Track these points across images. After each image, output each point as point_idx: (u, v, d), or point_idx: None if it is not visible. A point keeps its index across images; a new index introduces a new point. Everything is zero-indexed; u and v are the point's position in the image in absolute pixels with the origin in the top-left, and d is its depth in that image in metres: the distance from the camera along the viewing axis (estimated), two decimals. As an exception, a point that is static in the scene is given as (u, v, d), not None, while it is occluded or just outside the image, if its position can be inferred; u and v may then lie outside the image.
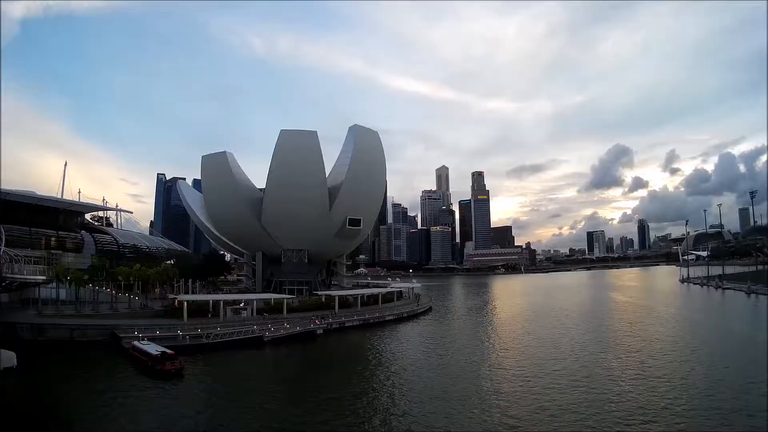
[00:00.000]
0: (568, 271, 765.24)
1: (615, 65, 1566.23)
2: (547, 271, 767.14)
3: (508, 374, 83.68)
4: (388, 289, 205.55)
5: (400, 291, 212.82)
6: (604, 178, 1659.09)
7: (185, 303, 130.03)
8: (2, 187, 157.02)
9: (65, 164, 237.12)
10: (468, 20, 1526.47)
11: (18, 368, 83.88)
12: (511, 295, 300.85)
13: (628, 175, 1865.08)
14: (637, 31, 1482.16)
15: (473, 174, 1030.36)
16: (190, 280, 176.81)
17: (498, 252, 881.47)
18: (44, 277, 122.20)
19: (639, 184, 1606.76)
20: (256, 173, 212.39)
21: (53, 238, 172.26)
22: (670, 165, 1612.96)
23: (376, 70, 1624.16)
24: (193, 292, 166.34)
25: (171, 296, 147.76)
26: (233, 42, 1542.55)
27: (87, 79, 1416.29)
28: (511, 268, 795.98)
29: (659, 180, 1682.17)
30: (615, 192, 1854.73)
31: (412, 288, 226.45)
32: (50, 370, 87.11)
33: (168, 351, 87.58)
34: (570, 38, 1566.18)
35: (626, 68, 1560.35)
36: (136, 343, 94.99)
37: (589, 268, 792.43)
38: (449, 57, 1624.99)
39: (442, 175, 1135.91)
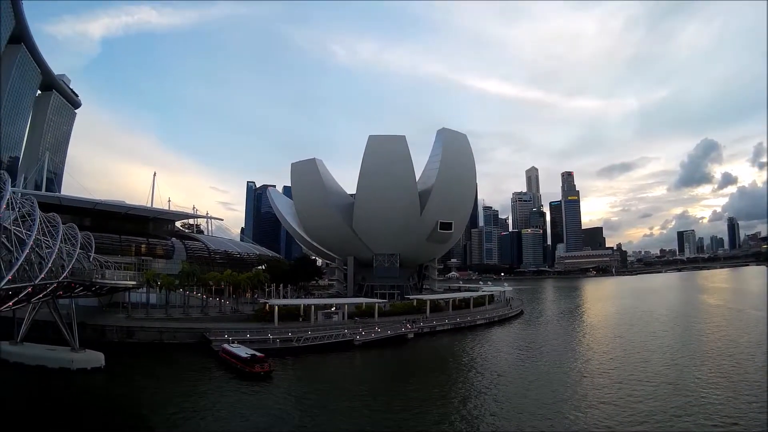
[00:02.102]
0: (659, 272, 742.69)
1: (694, 57, 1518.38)
2: (638, 273, 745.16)
3: (598, 379, 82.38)
4: (480, 293, 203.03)
5: (492, 294, 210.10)
6: (693, 175, 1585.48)
7: (276, 307, 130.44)
8: (94, 198, 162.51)
9: (154, 174, 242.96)
10: (546, 18, 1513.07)
11: (106, 368, 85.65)
12: (602, 298, 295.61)
13: (717, 171, 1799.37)
14: (713, 21, 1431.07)
15: (563, 174, 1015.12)
16: (281, 285, 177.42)
17: (589, 254, 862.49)
18: (134, 283, 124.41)
19: (728, 180, 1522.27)
20: (345, 179, 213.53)
21: (143, 245, 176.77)
22: (758, 159, 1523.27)
23: (459, 72, 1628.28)
24: (284, 297, 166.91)
25: (262, 300, 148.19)
26: (315, 52, 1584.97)
27: (172, 94, 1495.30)
28: (602, 271, 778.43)
29: (749, 175, 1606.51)
30: (705, 189, 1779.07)
31: (504, 291, 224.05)
32: (138, 371, 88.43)
33: (258, 354, 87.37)
34: (648, 32, 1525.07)
35: (706, 60, 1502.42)
36: (226, 345, 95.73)
37: (679, 270, 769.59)
38: (531, 56, 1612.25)
39: (532, 176, 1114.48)
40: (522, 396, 72.24)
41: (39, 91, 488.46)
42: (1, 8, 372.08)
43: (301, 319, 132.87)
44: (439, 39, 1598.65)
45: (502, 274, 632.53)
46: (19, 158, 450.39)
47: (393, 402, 69.87)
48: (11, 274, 48.57)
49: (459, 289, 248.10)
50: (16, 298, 55.68)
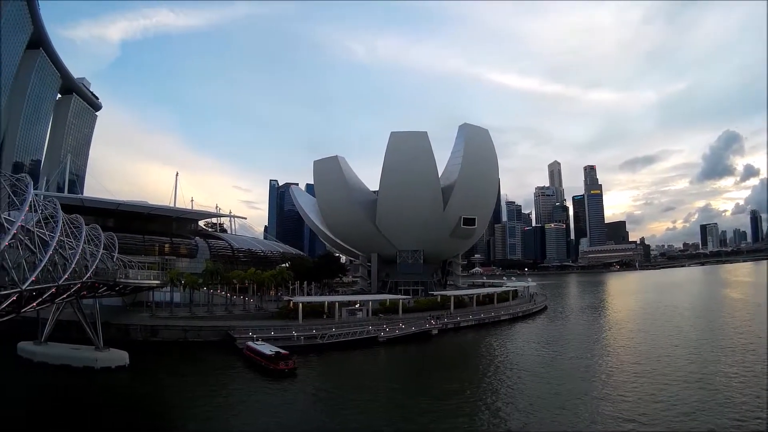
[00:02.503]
0: (682, 266, 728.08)
1: (714, 48, 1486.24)
2: (661, 267, 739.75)
3: (621, 375, 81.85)
4: (504, 289, 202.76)
5: (516, 290, 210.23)
6: (715, 167, 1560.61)
7: (300, 304, 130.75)
8: (116, 198, 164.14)
9: (176, 175, 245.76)
10: (564, 11, 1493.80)
11: (130, 367, 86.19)
12: (626, 293, 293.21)
13: (739, 163, 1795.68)
14: (731, 11, 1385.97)
15: (585, 168, 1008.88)
16: (305, 283, 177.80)
17: (612, 248, 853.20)
18: (158, 282, 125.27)
19: (751, 172, 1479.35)
20: (368, 176, 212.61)
21: (167, 245, 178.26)
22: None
23: (479, 67, 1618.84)
24: (308, 294, 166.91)
25: (286, 298, 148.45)
26: (335, 50, 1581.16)
27: (193, 95, 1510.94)
28: (626, 265, 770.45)
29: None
30: (727, 182, 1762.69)
31: (528, 287, 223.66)
32: (162, 369, 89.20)
33: (282, 351, 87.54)
34: (666, 23, 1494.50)
35: (725, 50, 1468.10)
36: (250, 343, 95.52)
37: (702, 264, 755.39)
38: (549, 50, 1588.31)
39: (554, 170, 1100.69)
40: (546, 392, 71.83)
41: (59, 95, 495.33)
42: (17, 14, 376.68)
43: (325, 316, 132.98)
44: (457, 34, 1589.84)
45: (526, 269, 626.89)
46: (40, 161, 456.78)
47: (417, 399, 69.53)
48: (35, 275, 49.06)
49: (483, 285, 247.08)
50: (40, 299, 56.29)
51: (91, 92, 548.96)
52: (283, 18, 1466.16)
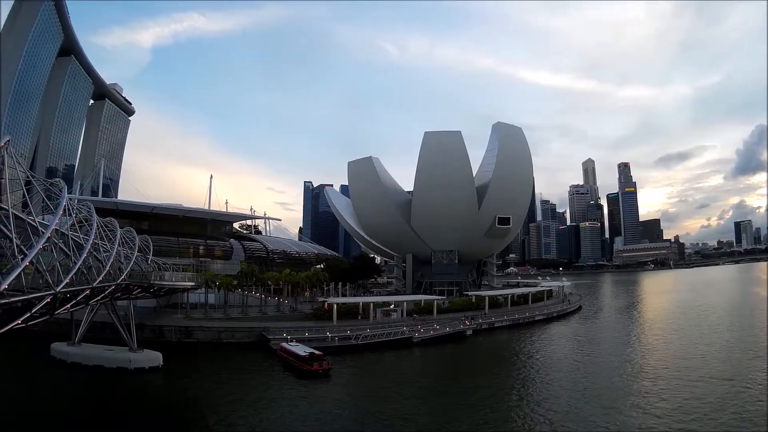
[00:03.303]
0: (716, 265, 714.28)
1: (745, 38, 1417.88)
2: (696, 266, 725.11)
3: (656, 376, 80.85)
4: (538, 289, 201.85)
5: (550, 290, 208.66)
6: (749, 162, 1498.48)
7: (335, 305, 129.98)
8: (150, 202, 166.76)
9: (211, 177, 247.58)
10: (593, 5, 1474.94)
11: (164, 368, 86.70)
12: (660, 292, 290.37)
13: None
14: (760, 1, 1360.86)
15: (619, 165, 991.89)
16: (340, 283, 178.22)
17: (647, 247, 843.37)
18: (192, 283, 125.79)
19: None
20: (402, 176, 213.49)
21: (201, 247, 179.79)
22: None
23: (511, 65, 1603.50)
24: (343, 295, 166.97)
25: (321, 299, 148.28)
26: (366, 50, 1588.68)
27: (226, 97, 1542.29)
28: (660, 264, 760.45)
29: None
30: (761, 177, 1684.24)
31: (562, 287, 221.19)
32: (196, 370, 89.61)
33: (316, 352, 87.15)
34: (697, 14, 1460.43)
35: (758, 40, 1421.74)
36: (284, 344, 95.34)
37: (737, 262, 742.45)
38: (581, 45, 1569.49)
39: (589, 168, 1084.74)
40: (580, 393, 71.54)
41: (92, 101, 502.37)
42: (47, 22, 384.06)
43: (359, 317, 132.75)
44: (488, 32, 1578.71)
45: (561, 269, 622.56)
46: (74, 166, 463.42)
47: (452, 400, 69.17)
48: (69, 277, 49.71)
49: (517, 285, 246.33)
50: (74, 301, 57.07)
51: (124, 97, 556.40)
52: (312, 19, 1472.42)
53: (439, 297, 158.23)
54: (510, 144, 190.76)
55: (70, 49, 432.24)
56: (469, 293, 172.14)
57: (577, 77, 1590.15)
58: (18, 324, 42.08)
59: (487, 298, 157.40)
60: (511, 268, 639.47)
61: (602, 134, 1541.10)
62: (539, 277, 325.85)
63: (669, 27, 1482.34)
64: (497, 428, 58.72)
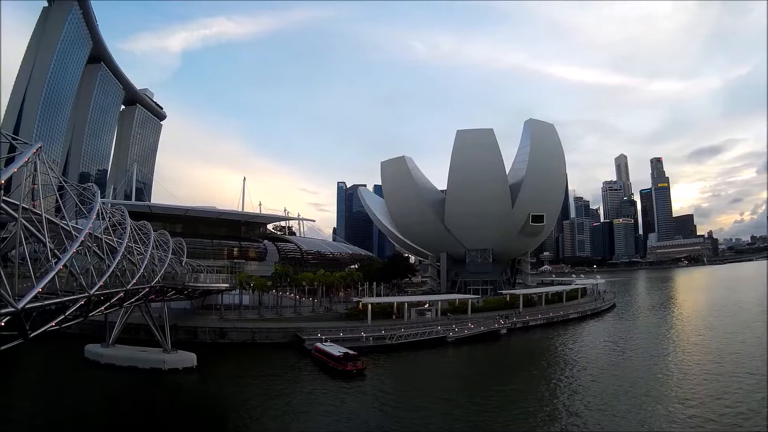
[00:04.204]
0: (750, 261, 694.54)
1: None
2: (729, 262, 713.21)
3: (690, 374, 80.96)
4: (572, 287, 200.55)
5: (584, 288, 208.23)
6: None
7: (369, 305, 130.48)
8: (184, 204, 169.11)
9: (244, 179, 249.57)
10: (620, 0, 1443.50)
11: (197, 368, 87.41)
12: (694, 289, 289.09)
13: None
14: None
15: (652, 161, 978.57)
16: (374, 283, 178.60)
17: (680, 243, 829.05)
18: (226, 285, 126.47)
19: None
20: (435, 175, 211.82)
21: (235, 249, 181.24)
22: None
23: (540, 61, 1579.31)
24: (377, 295, 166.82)
25: (355, 299, 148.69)
26: (395, 49, 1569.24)
27: (257, 100, 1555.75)
28: (694, 260, 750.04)
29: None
30: None
31: (596, 284, 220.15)
32: (230, 371, 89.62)
33: (350, 352, 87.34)
34: (723, 6, 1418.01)
35: None
36: (318, 344, 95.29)
37: None
38: (609, 40, 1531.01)
39: (621, 164, 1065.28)
40: (616, 391, 71.25)
41: (123, 106, 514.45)
42: (75, 31, 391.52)
43: (394, 317, 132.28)
44: (516, 29, 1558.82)
45: (594, 266, 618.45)
46: (107, 171, 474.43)
47: (487, 400, 68.88)
48: (103, 280, 50.40)
49: (552, 283, 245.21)
50: (108, 303, 57.93)
51: (155, 102, 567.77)
52: (341, 20, 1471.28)
53: (473, 296, 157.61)
54: (542, 141, 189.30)
55: (99, 55, 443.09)
56: (504, 292, 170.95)
57: (606, 72, 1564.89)
58: (52, 326, 42.69)
59: (521, 297, 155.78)
60: (546, 266, 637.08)
61: (634, 129, 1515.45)
62: (573, 275, 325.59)
63: (696, 19, 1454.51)
64: (532, 428, 58.69)
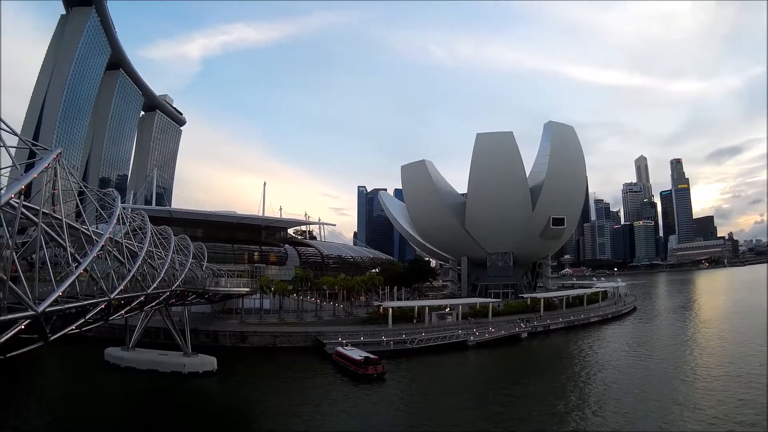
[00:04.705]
0: None
1: None
2: (750, 264, 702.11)
3: (712, 379, 79.92)
4: (593, 290, 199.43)
5: (605, 291, 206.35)
6: None
7: (390, 309, 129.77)
8: (204, 209, 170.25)
9: (264, 184, 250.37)
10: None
11: (218, 372, 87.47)
12: (714, 291, 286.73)
13: None
14: None
15: (672, 162, 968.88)
16: (395, 287, 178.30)
17: (701, 245, 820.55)
18: (247, 289, 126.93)
19: None
20: (455, 178, 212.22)
21: (256, 253, 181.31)
22: None
23: (559, 63, 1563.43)
24: (398, 299, 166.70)
25: (376, 303, 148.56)
26: (414, 53, 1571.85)
27: (277, 105, 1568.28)
28: (714, 262, 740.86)
29: None
30: None
31: (617, 287, 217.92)
32: (250, 374, 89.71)
33: (371, 356, 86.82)
34: (742, 4, 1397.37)
35: None
36: (339, 348, 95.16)
37: None
38: (627, 40, 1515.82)
39: (641, 165, 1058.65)
40: (637, 397, 70.21)
41: (142, 112, 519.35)
42: (94, 38, 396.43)
43: (415, 321, 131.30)
44: (534, 30, 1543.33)
45: (615, 269, 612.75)
46: (127, 176, 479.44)
47: (508, 404, 68.51)
48: (123, 284, 50.79)
49: (572, 286, 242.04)
50: (128, 307, 58.35)
51: (175, 108, 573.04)
52: (361, 24, 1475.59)
53: (494, 300, 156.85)
54: (562, 143, 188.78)
55: (118, 62, 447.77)
56: (525, 295, 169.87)
57: (625, 73, 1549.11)
58: (72, 329, 43.09)
59: (542, 300, 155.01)
60: (566, 269, 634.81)
61: (653, 130, 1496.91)
62: (594, 278, 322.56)
63: (714, 18, 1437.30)
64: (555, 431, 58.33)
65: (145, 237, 64.52)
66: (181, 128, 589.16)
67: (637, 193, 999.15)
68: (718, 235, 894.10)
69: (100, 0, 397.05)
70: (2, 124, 35.31)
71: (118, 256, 55.27)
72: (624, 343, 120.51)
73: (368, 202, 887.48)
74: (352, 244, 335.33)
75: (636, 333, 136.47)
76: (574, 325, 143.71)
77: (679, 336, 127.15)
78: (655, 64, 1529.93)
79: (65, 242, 41.66)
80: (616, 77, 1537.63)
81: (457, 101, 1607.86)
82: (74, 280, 39.56)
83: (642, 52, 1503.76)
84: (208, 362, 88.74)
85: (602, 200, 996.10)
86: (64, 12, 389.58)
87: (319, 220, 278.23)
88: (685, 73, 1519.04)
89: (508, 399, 71.00)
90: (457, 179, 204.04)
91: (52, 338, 38.64)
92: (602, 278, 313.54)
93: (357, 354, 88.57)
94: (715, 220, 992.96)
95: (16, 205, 32.99)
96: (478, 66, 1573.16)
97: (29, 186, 35.81)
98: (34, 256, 40.30)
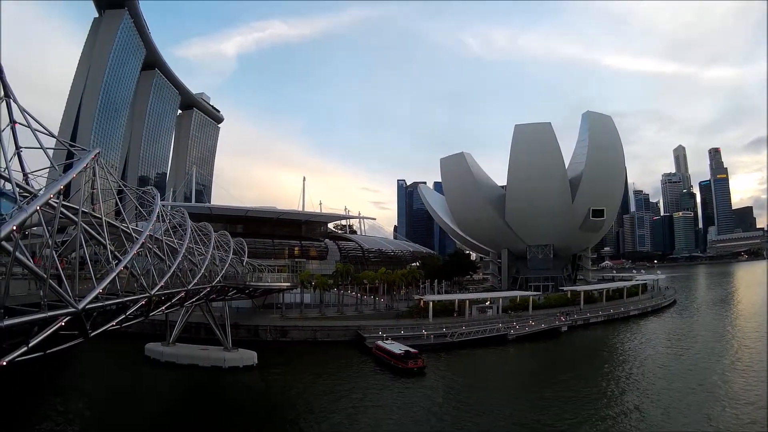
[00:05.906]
0: None
1: None
2: None
3: (750, 372, 79.86)
4: (633, 283, 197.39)
5: (645, 284, 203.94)
6: None
7: (430, 303, 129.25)
8: (244, 205, 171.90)
9: (304, 179, 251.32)
10: None
11: (258, 366, 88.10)
12: (753, 284, 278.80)
13: None
14: None
15: (710, 151, 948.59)
16: (435, 281, 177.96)
17: (740, 236, 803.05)
18: (288, 284, 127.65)
19: None
20: (494, 170, 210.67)
21: (296, 248, 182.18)
22: None
23: (595, 52, 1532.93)
24: (438, 292, 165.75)
25: (416, 297, 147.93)
26: (450, 45, 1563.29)
27: (315, 100, 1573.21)
28: (753, 254, 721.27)
29: None
30: None
31: (657, 280, 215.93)
32: (291, 369, 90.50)
33: (411, 350, 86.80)
34: None
35: None
36: (379, 342, 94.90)
37: None
38: (662, 27, 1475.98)
39: (680, 155, 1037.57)
40: (681, 391, 69.71)
41: (180, 111, 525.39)
42: (128, 39, 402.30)
43: (455, 315, 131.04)
44: (569, 20, 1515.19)
45: (655, 261, 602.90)
46: (166, 174, 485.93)
47: (550, 399, 67.89)
48: (164, 281, 51.37)
49: (612, 279, 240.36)
50: (169, 303, 59.14)
51: (212, 106, 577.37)
52: (395, 17, 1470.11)
53: (534, 293, 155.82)
54: (601, 134, 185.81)
55: (153, 62, 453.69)
56: (565, 288, 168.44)
57: (661, 60, 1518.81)
58: (112, 326, 43.70)
59: (582, 293, 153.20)
60: (606, 261, 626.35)
61: (691, 119, 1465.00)
62: (633, 271, 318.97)
63: (748, 2, 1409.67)
64: (596, 427, 57.43)
65: (185, 233, 65.10)
66: (219, 125, 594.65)
67: (676, 183, 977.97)
68: (758, 226, 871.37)
69: (133, 2, 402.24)
70: (39, 125, 36.00)
71: (158, 252, 55.75)
72: (664, 337, 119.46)
73: (408, 195, 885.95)
74: (392, 237, 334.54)
75: (676, 327, 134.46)
76: (613, 318, 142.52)
77: (721, 330, 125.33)
78: (690, 51, 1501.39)
79: (105, 240, 42.29)
80: (652, 65, 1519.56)
81: (494, 93, 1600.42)
82: (114, 277, 40.07)
83: (677, 38, 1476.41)
84: (248, 357, 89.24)
85: (641, 191, 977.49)
86: (96, 15, 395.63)
87: (359, 214, 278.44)
88: (721, 60, 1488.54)
89: (551, 394, 70.24)
90: (497, 171, 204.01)
91: (92, 334, 39.11)
92: (642, 271, 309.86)
93: (397, 348, 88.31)
94: (754, 210, 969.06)
95: (56, 204, 33.52)
96: (514, 57, 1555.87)
97: (68, 186, 36.34)
98: (74, 254, 41.02)
